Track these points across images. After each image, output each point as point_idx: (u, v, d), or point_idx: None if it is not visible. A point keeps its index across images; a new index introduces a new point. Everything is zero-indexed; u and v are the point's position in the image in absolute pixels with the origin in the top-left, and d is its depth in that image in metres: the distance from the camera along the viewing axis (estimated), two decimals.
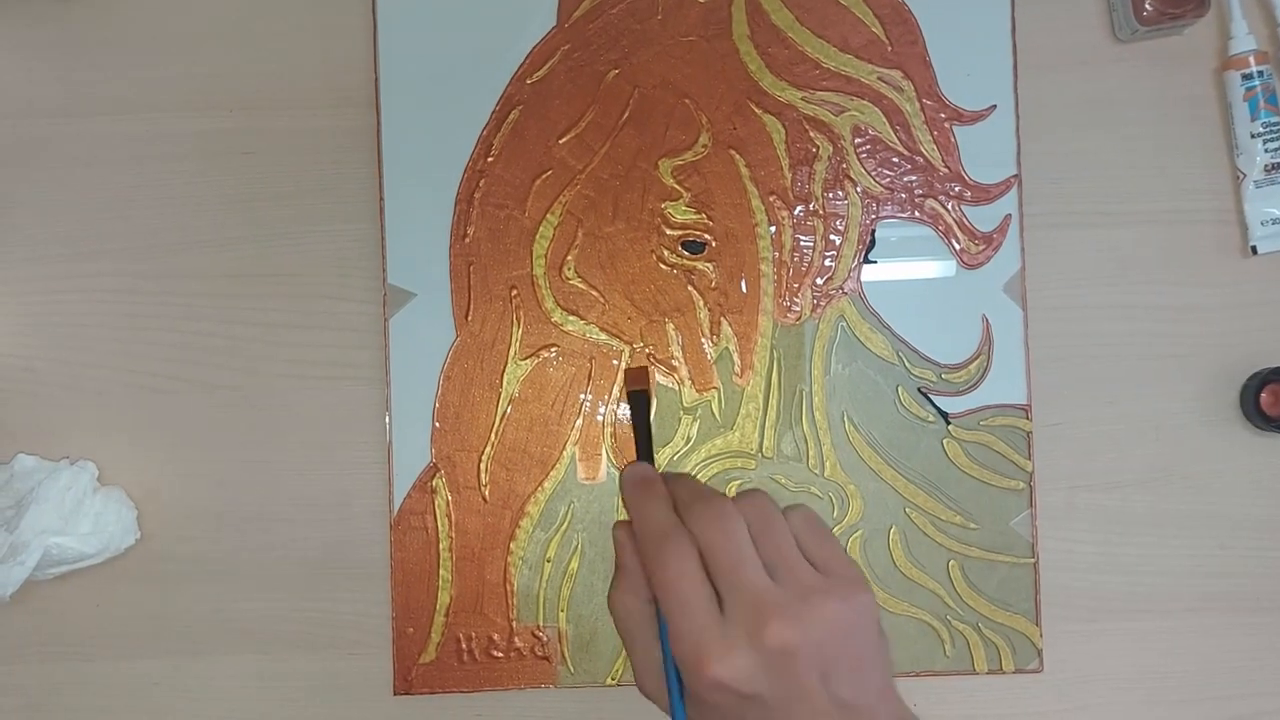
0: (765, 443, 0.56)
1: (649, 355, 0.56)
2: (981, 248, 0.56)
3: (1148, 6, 0.54)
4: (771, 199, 0.56)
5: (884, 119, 0.56)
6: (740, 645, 0.41)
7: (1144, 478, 0.57)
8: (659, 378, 0.56)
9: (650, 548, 0.45)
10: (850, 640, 0.43)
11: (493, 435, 0.56)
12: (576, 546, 0.56)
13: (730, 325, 0.56)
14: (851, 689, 0.42)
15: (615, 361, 0.56)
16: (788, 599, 0.43)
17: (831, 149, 0.56)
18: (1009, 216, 0.56)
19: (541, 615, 0.56)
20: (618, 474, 0.56)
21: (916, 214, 0.56)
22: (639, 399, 0.53)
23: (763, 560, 0.44)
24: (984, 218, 0.56)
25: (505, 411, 0.56)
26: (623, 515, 0.49)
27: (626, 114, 0.56)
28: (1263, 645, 0.57)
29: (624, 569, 0.47)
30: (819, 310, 0.56)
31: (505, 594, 0.56)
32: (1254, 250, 0.57)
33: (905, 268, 0.56)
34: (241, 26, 0.58)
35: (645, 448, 0.53)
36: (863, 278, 0.56)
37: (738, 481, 0.56)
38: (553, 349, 0.56)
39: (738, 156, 0.56)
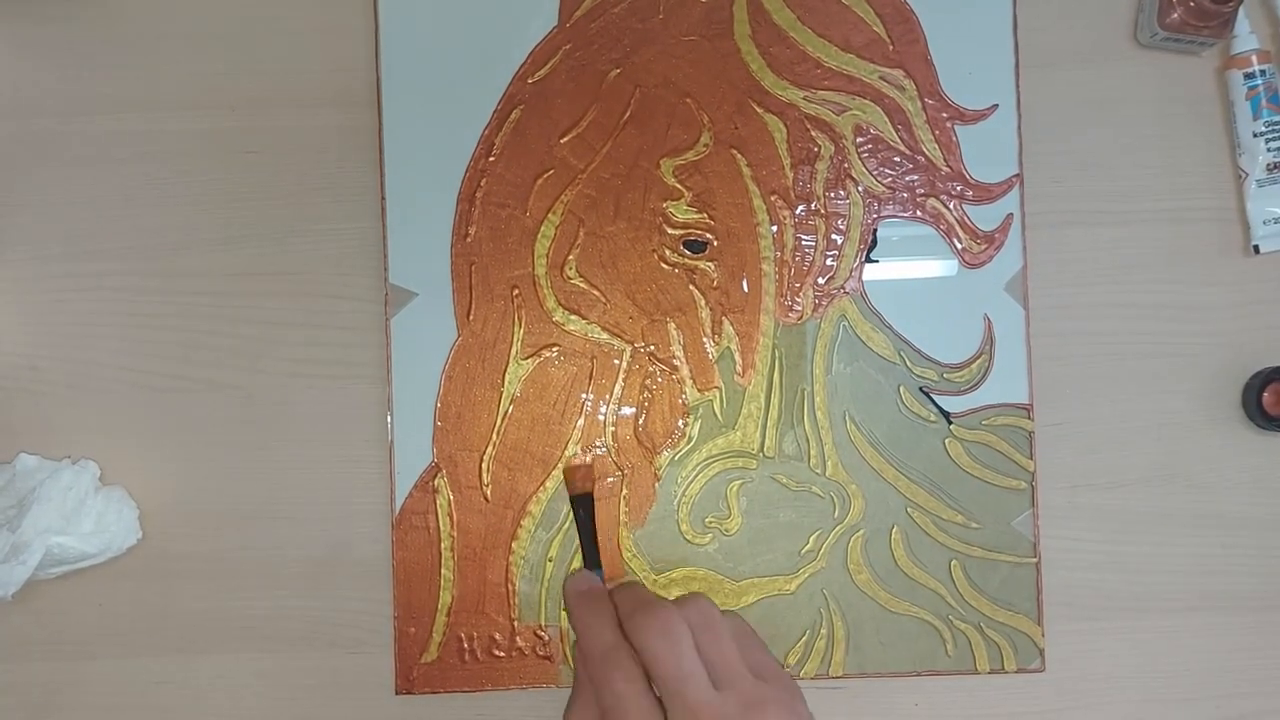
0: (767, 442, 0.56)
1: (650, 354, 0.56)
2: (983, 247, 0.56)
3: (1175, 14, 0.54)
4: (773, 198, 0.56)
5: (886, 118, 0.56)
6: None
7: (1146, 477, 0.57)
8: (658, 375, 0.56)
9: (595, 668, 0.46)
10: None
11: (494, 435, 0.56)
12: (579, 546, 0.56)
13: (732, 324, 0.56)
14: None
15: (616, 361, 0.56)
16: (733, 712, 0.44)
17: (833, 148, 0.56)
18: (1011, 216, 0.56)
19: (544, 615, 0.56)
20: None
21: (918, 213, 0.56)
22: (582, 502, 0.54)
23: (706, 668, 0.45)
24: (986, 217, 0.56)
25: (507, 411, 0.56)
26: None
27: (628, 113, 0.56)
28: (1264, 645, 0.57)
29: (577, 685, 0.49)
30: (821, 310, 0.56)
31: (507, 593, 0.56)
32: (1256, 249, 0.57)
33: (907, 267, 0.56)
34: (243, 25, 0.58)
35: (591, 554, 0.53)
36: (864, 277, 0.56)
37: (739, 482, 0.56)
38: (554, 348, 0.56)
39: (739, 156, 0.56)
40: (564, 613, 0.55)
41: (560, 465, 0.56)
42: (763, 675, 0.46)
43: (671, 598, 0.50)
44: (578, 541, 0.55)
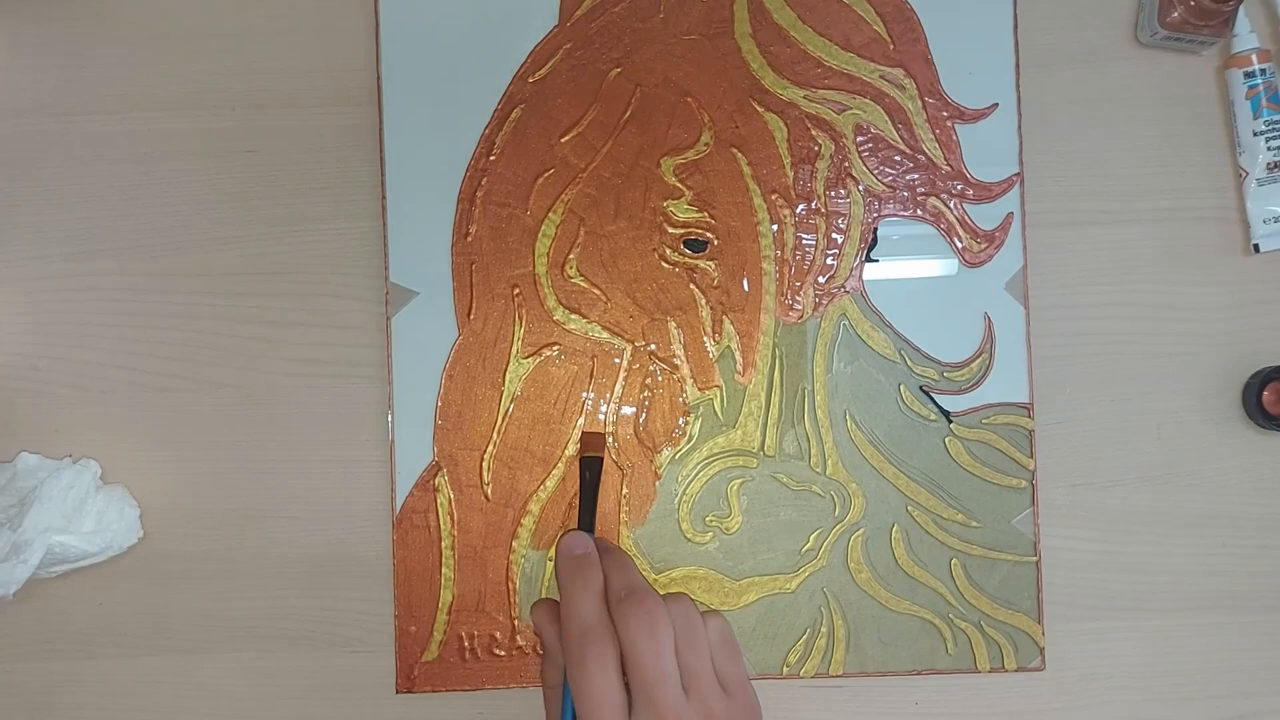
0: (767, 441, 0.56)
1: (651, 353, 0.56)
2: (984, 246, 0.56)
3: (1176, 12, 0.54)
4: (774, 197, 0.56)
5: (886, 117, 0.56)
6: None
7: (1146, 476, 0.57)
8: (658, 374, 0.56)
9: (574, 646, 0.47)
10: None
11: (495, 434, 0.56)
12: (576, 507, 0.55)
13: (732, 323, 0.56)
14: None
15: (617, 360, 0.56)
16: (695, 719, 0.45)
17: (834, 147, 0.56)
18: (1011, 215, 0.56)
19: None
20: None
21: (919, 212, 0.56)
22: (592, 464, 0.55)
23: (680, 672, 0.46)
24: (986, 216, 0.56)
25: (507, 410, 0.56)
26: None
27: (628, 112, 0.56)
28: (1264, 644, 0.57)
29: (548, 649, 0.50)
30: (821, 308, 0.56)
31: (508, 592, 0.56)
32: (1256, 249, 0.57)
33: (907, 266, 0.56)
34: (244, 24, 0.58)
35: (588, 517, 0.54)
36: (865, 276, 0.56)
37: (739, 481, 0.56)
38: (555, 347, 0.56)
39: (740, 155, 0.56)
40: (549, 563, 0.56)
41: (576, 430, 0.56)
42: (729, 688, 0.48)
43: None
44: (576, 503, 0.55)
